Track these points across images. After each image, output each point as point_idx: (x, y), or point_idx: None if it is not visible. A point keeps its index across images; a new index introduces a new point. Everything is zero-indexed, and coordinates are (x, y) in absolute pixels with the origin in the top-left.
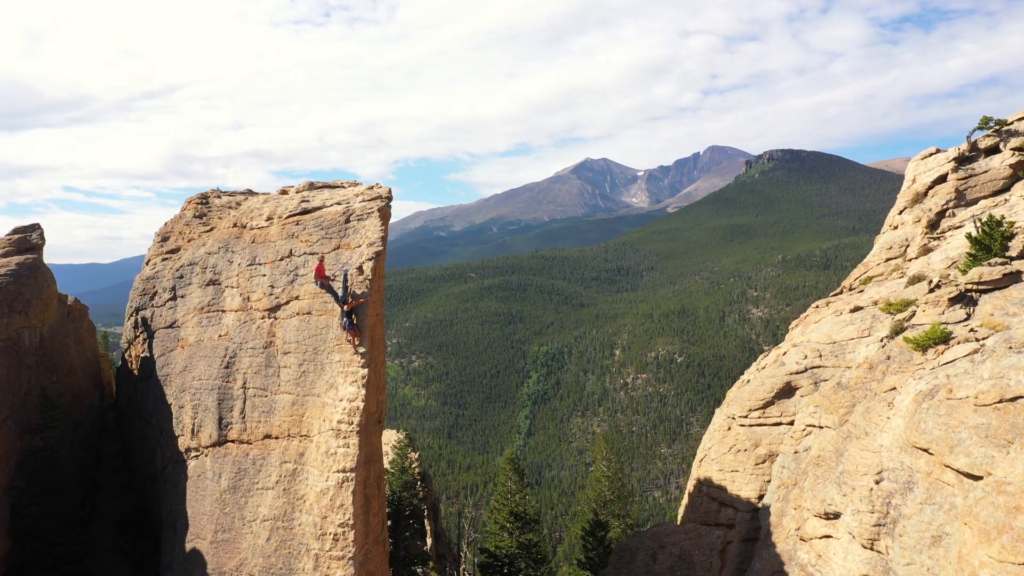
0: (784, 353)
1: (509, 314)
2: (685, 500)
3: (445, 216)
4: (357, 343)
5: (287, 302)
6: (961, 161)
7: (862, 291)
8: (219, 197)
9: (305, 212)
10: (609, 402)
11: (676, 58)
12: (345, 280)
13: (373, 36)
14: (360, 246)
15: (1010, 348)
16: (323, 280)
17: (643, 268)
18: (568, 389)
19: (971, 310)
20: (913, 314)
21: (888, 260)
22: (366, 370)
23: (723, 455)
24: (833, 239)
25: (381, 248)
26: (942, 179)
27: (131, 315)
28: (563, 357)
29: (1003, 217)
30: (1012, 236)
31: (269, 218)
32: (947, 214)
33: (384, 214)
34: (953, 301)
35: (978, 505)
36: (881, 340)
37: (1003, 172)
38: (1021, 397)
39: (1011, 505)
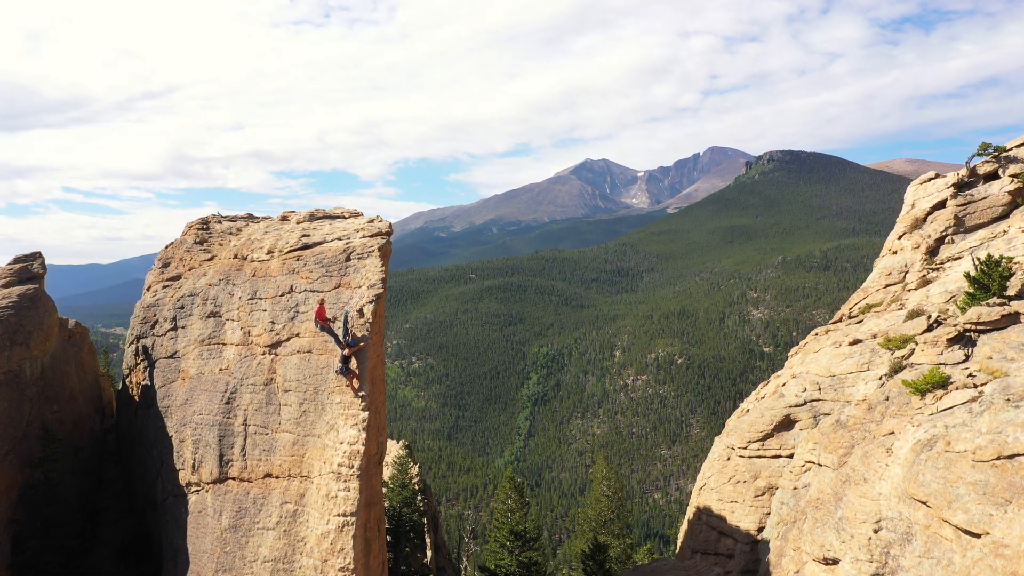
0: (783, 384)
1: (509, 315)
2: (684, 526)
3: (445, 217)
4: (357, 386)
5: (288, 339)
6: (960, 187)
7: (861, 321)
8: (220, 222)
9: (306, 247)
10: (609, 404)
11: (676, 58)
12: (346, 322)
13: (373, 37)
14: (361, 287)
15: (1008, 400)
16: (324, 323)
17: (643, 269)
18: (568, 391)
19: (970, 351)
20: (912, 351)
21: (887, 286)
22: (366, 413)
23: (722, 485)
24: (833, 240)
25: (382, 291)
26: (941, 205)
27: (132, 342)
28: (563, 358)
29: (1002, 256)
30: (1011, 275)
31: (270, 251)
32: (946, 240)
33: (384, 252)
34: (952, 342)
35: (976, 567)
36: (880, 378)
37: (1002, 199)
38: (1019, 455)
39: (1009, 571)
